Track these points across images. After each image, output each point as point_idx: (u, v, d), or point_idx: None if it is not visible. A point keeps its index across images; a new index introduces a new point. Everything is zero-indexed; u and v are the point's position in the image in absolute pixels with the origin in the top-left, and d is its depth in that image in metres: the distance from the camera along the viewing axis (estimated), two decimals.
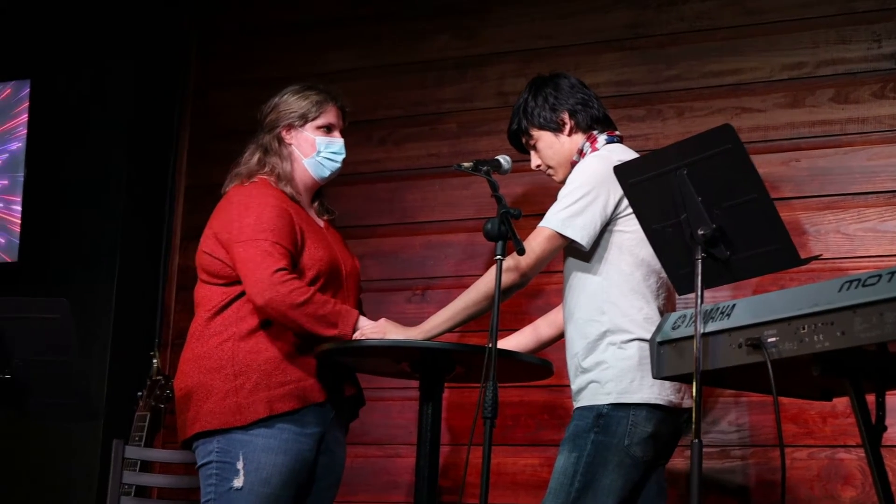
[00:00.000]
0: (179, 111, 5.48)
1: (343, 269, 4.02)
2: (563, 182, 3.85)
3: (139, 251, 5.26)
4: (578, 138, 3.89)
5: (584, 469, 3.56)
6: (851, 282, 2.91)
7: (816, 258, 3.83)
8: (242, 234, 3.85)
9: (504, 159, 3.96)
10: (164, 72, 5.47)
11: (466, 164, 3.88)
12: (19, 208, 5.24)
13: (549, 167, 3.95)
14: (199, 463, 3.85)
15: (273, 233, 3.84)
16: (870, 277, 2.87)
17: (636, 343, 3.63)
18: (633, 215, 3.46)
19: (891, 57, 4.42)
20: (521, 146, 4.01)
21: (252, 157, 4.05)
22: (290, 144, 4.06)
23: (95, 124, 5.30)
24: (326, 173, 4.08)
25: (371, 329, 3.85)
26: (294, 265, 3.87)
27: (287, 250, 3.85)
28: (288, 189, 4.01)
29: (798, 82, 4.53)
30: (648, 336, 3.46)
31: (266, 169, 4.02)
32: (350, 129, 4.18)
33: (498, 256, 3.52)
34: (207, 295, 3.94)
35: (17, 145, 5.30)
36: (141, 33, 5.39)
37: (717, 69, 4.65)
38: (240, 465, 3.76)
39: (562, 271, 3.86)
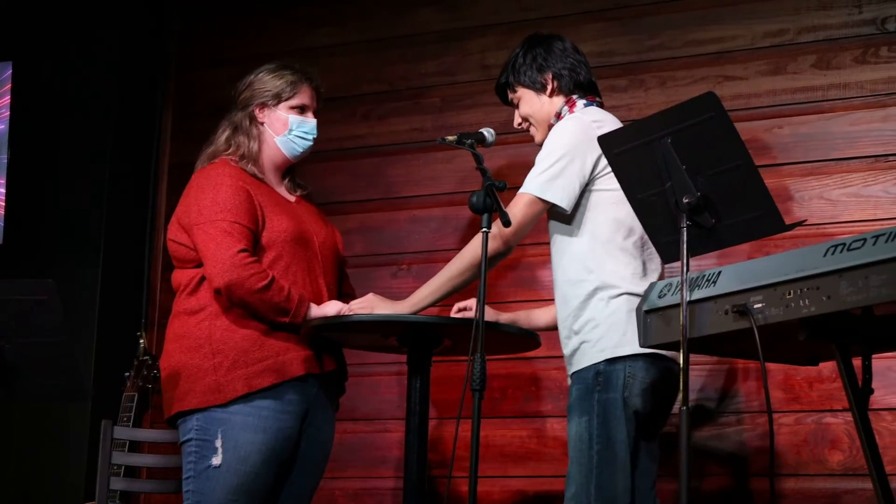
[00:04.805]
0: (163, 90, 5.46)
1: (315, 240, 4.01)
2: (541, 145, 3.84)
3: (124, 231, 5.26)
4: (558, 101, 3.88)
5: (598, 430, 3.54)
6: (836, 246, 2.92)
7: (801, 224, 3.84)
8: (201, 216, 3.85)
9: (488, 132, 3.96)
10: (147, 51, 5.45)
11: (451, 138, 3.89)
12: (3, 190, 5.22)
13: (530, 125, 3.96)
14: (181, 441, 3.88)
15: (231, 212, 3.84)
16: (854, 241, 2.88)
17: (624, 297, 3.61)
18: (612, 174, 3.46)
19: (871, 22, 4.42)
20: (507, 100, 4.02)
21: (222, 135, 4.06)
22: (262, 123, 4.06)
23: (79, 105, 5.28)
24: (298, 151, 4.07)
25: (359, 304, 3.86)
26: (255, 244, 3.87)
27: (247, 228, 3.85)
28: (250, 167, 4.00)
29: (779, 49, 4.53)
30: (637, 290, 3.48)
31: (231, 149, 4.02)
32: (333, 105, 4.18)
33: (484, 229, 3.52)
34: (180, 278, 3.96)
35: (0, 127, 5.28)
36: (123, 12, 5.37)
37: (698, 38, 4.65)
38: (218, 443, 3.77)
39: (547, 243, 3.86)
